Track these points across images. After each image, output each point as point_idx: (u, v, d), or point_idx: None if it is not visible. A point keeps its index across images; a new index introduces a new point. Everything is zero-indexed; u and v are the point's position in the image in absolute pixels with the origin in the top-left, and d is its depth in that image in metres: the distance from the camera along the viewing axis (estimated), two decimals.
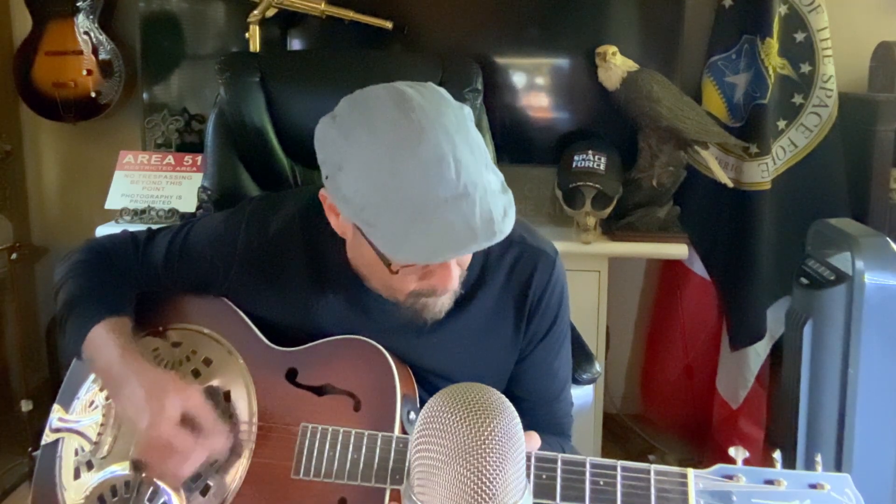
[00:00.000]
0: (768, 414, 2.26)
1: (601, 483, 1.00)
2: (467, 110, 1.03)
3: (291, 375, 1.19)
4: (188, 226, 1.30)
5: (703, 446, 2.53)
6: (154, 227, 1.34)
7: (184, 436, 1.10)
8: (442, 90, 1.04)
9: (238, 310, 1.24)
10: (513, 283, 1.21)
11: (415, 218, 0.95)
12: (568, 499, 1.00)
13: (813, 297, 1.82)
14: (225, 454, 1.15)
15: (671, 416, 2.62)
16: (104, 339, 1.17)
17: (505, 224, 0.98)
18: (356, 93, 1.04)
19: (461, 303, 1.18)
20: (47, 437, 1.28)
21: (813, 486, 0.97)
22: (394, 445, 1.07)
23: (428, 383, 1.19)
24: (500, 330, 1.22)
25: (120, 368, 1.15)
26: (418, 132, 0.95)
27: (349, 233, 1.09)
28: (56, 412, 1.29)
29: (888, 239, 1.81)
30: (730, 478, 0.99)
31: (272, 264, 1.21)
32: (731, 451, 1.00)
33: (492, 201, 0.97)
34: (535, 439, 1.02)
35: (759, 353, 2.35)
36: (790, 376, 1.89)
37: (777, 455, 1.00)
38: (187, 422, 1.11)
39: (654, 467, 1.00)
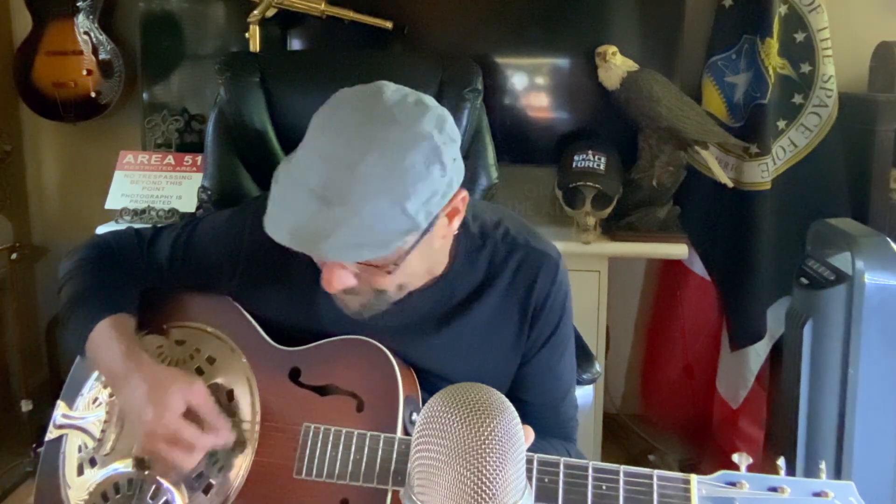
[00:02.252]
0: (768, 414, 2.26)
1: (603, 488, 1.00)
2: (430, 147, 0.97)
3: (294, 375, 1.19)
4: (193, 223, 1.30)
5: (704, 446, 2.53)
6: (159, 225, 1.34)
7: (188, 428, 1.10)
8: (433, 111, 1.00)
9: (242, 308, 1.25)
10: (516, 286, 1.21)
11: (282, 190, 0.98)
12: (570, 503, 1.00)
13: (813, 297, 1.82)
14: (228, 448, 1.16)
15: (671, 416, 2.62)
16: (107, 337, 1.18)
17: (338, 252, 0.95)
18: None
19: (464, 305, 1.19)
20: (51, 434, 1.28)
21: (817, 494, 0.97)
22: (396, 447, 1.07)
23: (430, 385, 1.19)
24: (504, 333, 1.22)
25: (123, 365, 1.15)
26: (343, 127, 0.97)
27: None
28: (60, 409, 1.29)
29: (888, 239, 1.81)
30: (733, 484, 0.98)
31: (277, 263, 1.21)
32: (735, 457, 0.99)
33: (347, 227, 0.93)
34: (529, 433, 1.02)
35: (759, 353, 2.35)
36: (790, 376, 1.89)
37: (781, 462, 1.00)
38: (191, 415, 1.12)
39: (656, 473, 1.00)
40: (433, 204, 0.98)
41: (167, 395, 1.11)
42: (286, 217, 0.96)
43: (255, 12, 2.37)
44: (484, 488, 0.78)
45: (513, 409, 0.84)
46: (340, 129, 0.97)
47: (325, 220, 0.93)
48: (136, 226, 1.36)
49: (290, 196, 0.96)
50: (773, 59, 2.24)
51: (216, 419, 1.14)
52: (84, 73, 2.55)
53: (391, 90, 1.01)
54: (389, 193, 0.94)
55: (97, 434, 1.23)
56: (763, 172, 2.27)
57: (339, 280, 1.04)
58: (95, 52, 2.55)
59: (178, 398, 1.11)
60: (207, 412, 1.13)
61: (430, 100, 1.03)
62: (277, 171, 1.01)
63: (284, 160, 1.02)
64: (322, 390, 1.17)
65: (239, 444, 1.16)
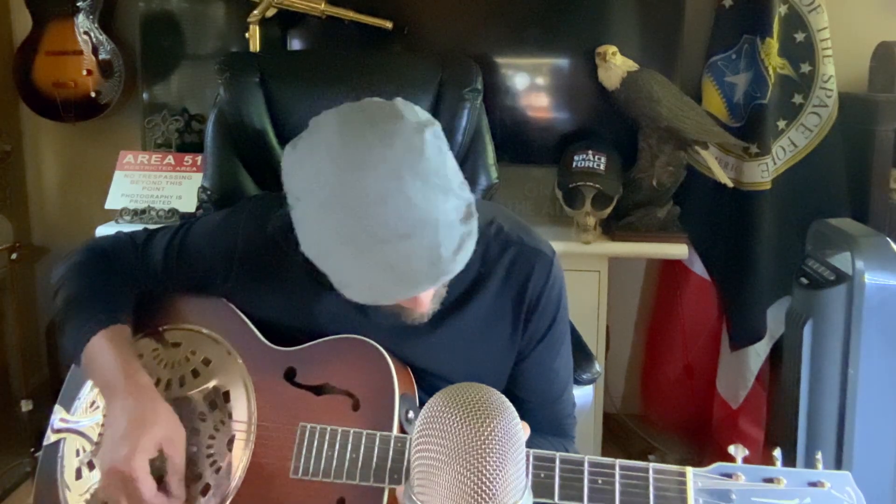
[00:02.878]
0: (768, 414, 2.26)
1: (599, 482, 1.00)
2: (432, 130, 0.97)
3: (290, 375, 1.19)
4: (186, 225, 1.29)
5: (703, 446, 2.53)
6: (152, 227, 1.34)
7: (146, 483, 1.09)
8: (406, 111, 0.98)
9: (237, 310, 1.24)
10: (510, 283, 1.21)
11: (354, 258, 0.93)
12: (566, 498, 1.00)
13: (813, 297, 1.82)
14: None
15: (671, 416, 2.62)
16: (102, 350, 1.17)
17: (456, 260, 0.95)
18: (320, 115, 1.01)
19: (458, 303, 1.18)
20: (49, 438, 1.29)
21: (813, 484, 0.97)
22: (392, 445, 1.07)
23: (427, 383, 1.19)
24: (498, 330, 1.22)
25: (116, 382, 1.14)
26: (361, 167, 0.91)
27: None
28: (58, 413, 1.30)
29: (888, 239, 1.81)
30: (729, 476, 0.99)
31: (271, 263, 1.21)
32: (731, 449, 1.00)
33: (444, 236, 0.93)
34: (525, 429, 1.02)
35: (759, 353, 2.35)
36: (790, 376, 1.89)
37: (777, 453, 1.00)
38: (159, 461, 1.11)
39: (652, 466, 1.00)
40: (460, 173, 1.00)
41: (145, 436, 1.09)
42: (391, 276, 0.93)
43: (255, 12, 2.37)
44: (484, 488, 0.78)
45: (513, 408, 0.84)
46: (356, 170, 0.92)
47: (429, 248, 0.93)
48: (135, 226, 1.36)
49: (368, 258, 0.92)
50: (773, 59, 2.24)
51: (176, 484, 1.12)
52: (84, 73, 2.55)
53: (360, 113, 0.98)
54: (439, 192, 0.94)
55: (95, 438, 1.23)
56: (763, 172, 2.27)
57: (426, 305, 1.04)
58: (95, 52, 2.55)
59: (154, 441, 1.10)
60: (174, 469, 1.12)
61: (387, 100, 1.01)
62: (309, 242, 0.97)
63: (298, 225, 0.99)
64: (318, 390, 1.17)
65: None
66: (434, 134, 0.98)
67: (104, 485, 1.11)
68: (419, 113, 1.00)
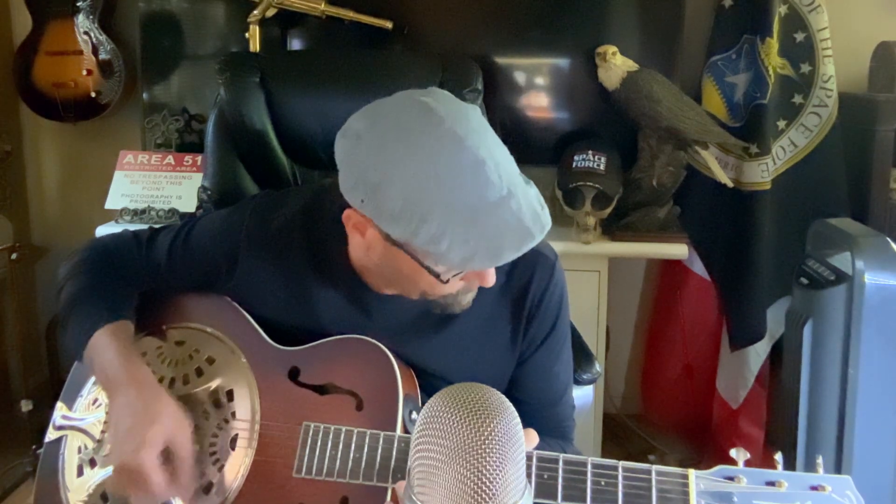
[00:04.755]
0: (768, 414, 2.26)
1: (602, 483, 1.01)
2: (478, 109, 1.05)
3: (294, 374, 1.19)
4: (190, 223, 1.29)
5: (704, 446, 2.53)
6: (156, 226, 1.34)
7: (158, 474, 1.09)
8: (451, 95, 1.05)
9: (241, 309, 1.25)
10: (512, 285, 1.21)
11: (471, 225, 0.95)
12: (569, 499, 1.01)
13: (813, 297, 1.82)
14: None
15: (671, 416, 2.62)
16: (105, 346, 1.17)
17: (545, 214, 1.00)
18: (370, 108, 1.03)
19: None
20: (51, 435, 1.28)
21: (814, 488, 0.98)
22: (395, 444, 1.07)
23: (428, 385, 1.19)
24: (499, 333, 1.22)
25: (119, 378, 1.15)
26: (455, 139, 0.96)
27: (378, 247, 1.06)
28: (60, 409, 1.30)
29: (888, 239, 1.81)
30: (731, 479, 0.99)
31: (274, 261, 1.21)
32: (733, 452, 1.00)
33: (531, 195, 0.99)
34: (532, 436, 1.02)
35: (759, 353, 2.35)
36: (790, 376, 1.89)
37: (779, 457, 1.01)
38: (166, 454, 1.11)
39: (655, 468, 1.00)
40: None
41: (152, 429, 1.10)
42: (509, 234, 0.97)
43: (255, 12, 2.37)
44: (484, 488, 0.78)
45: (513, 409, 0.84)
46: (451, 143, 0.96)
47: (527, 204, 0.97)
48: (135, 226, 1.36)
49: (483, 221, 0.96)
50: (773, 59, 2.24)
51: (185, 475, 1.12)
52: (84, 73, 2.55)
53: (421, 97, 1.02)
54: (508, 154, 1.01)
55: (97, 435, 1.23)
56: (763, 172, 2.27)
57: (494, 274, 1.06)
58: (95, 52, 2.55)
59: (160, 436, 1.10)
60: (182, 462, 1.12)
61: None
62: (405, 222, 0.98)
63: (385, 213, 0.99)
64: (321, 389, 1.17)
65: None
66: (478, 111, 1.05)
67: (114, 480, 1.11)
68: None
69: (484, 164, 0.95)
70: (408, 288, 1.11)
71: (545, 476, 1.01)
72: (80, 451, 1.24)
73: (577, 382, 1.50)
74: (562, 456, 1.03)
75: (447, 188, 0.95)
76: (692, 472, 1.00)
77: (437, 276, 1.03)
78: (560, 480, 1.01)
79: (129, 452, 1.08)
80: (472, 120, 1.00)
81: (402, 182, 0.96)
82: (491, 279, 1.06)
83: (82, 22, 2.54)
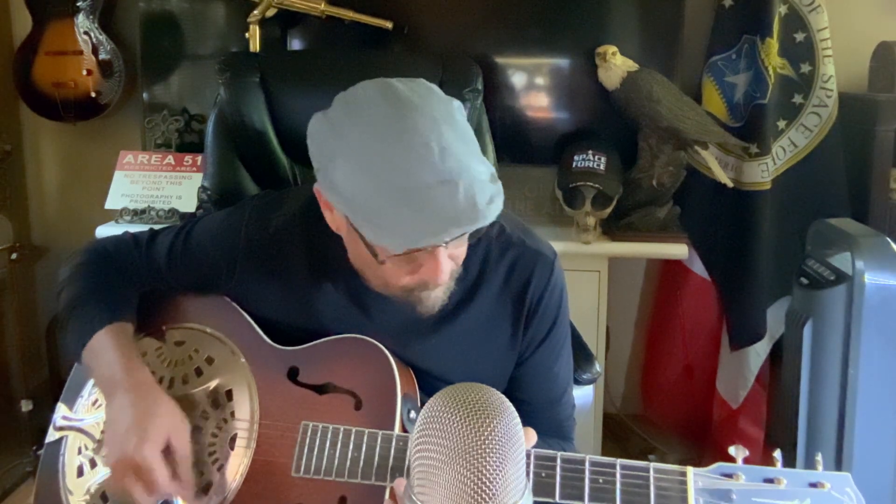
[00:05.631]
0: (768, 414, 2.26)
1: (600, 481, 1.01)
2: (457, 104, 1.05)
3: (293, 374, 1.19)
4: (190, 224, 1.30)
5: (704, 446, 2.53)
6: (156, 227, 1.34)
7: (161, 470, 1.09)
8: (432, 85, 1.05)
9: (240, 309, 1.25)
10: (511, 285, 1.21)
11: (400, 202, 0.96)
12: (567, 497, 1.01)
13: (813, 297, 1.82)
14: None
15: (671, 416, 2.62)
16: (104, 347, 1.18)
17: (489, 210, 0.99)
18: (349, 89, 1.05)
19: (459, 304, 1.19)
20: (51, 435, 1.29)
21: (813, 485, 0.98)
22: (394, 444, 1.08)
23: (428, 385, 1.19)
24: (499, 332, 1.22)
25: (118, 378, 1.15)
26: (404, 120, 0.98)
27: (343, 228, 1.09)
28: (60, 410, 1.30)
29: (888, 239, 1.81)
30: (729, 476, 0.99)
31: (274, 260, 1.21)
32: (731, 449, 1.00)
33: (477, 188, 0.97)
34: (531, 435, 1.02)
35: (759, 353, 2.35)
36: (790, 376, 1.89)
37: (777, 454, 1.00)
38: (166, 452, 1.11)
39: (653, 465, 1.00)
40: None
41: (152, 426, 1.10)
42: (430, 218, 0.96)
43: (255, 12, 2.37)
44: (484, 488, 0.78)
45: (513, 409, 0.84)
46: (399, 122, 0.98)
47: (465, 194, 0.96)
48: (135, 226, 1.36)
49: (413, 201, 0.96)
50: (773, 59, 2.24)
51: (186, 472, 1.13)
52: (84, 73, 2.55)
53: (396, 81, 1.04)
54: (471, 150, 1.01)
55: (97, 435, 1.23)
56: (763, 172, 2.27)
57: (447, 265, 1.05)
58: (95, 52, 2.55)
59: (162, 432, 1.10)
60: (182, 460, 1.12)
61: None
62: (347, 196, 1.00)
63: (333, 186, 1.01)
64: (320, 389, 1.17)
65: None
66: (459, 107, 1.05)
67: (114, 478, 1.11)
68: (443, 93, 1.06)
69: (428, 147, 0.96)
70: (369, 275, 1.12)
71: (543, 474, 1.01)
72: (80, 451, 1.25)
73: (577, 382, 1.50)
74: (560, 454, 1.03)
75: (387, 165, 0.96)
76: (690, 470, 1.00)
77: (374, 255, 1.04)
78: (558, 479, 1.01)
79: (130, 448, 1.09)
80: (434, 106, 1.01)
81: (348, 157, 0.99)
82: (437, 275, 1.04)
83: (82, 22, 2.54)
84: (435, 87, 1.05)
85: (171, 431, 1.12)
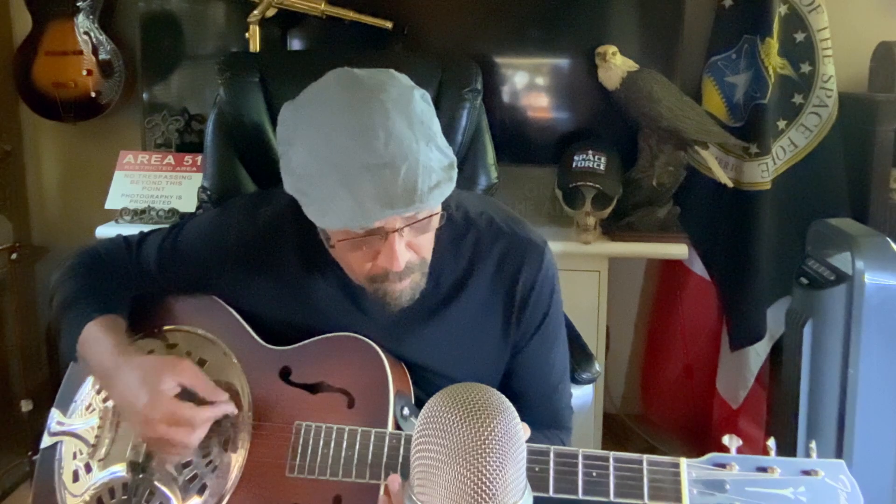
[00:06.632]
0: (768, 414, 2.26)
1: (594, 474, 1.01)
2: (422, 92, 1.06)
3: (285, 374, 1.19)
4: (179, 226, 1.31)
5: (704, 446, 2.51)
6: (146, 229, 1.35)
7: (184, 406, 1.11)
8: (397, 74, 1.07)
9: (232, 310, 1.25)
10: (502, 274, 1.20)
11: (338, 182, 0.98)
12: (561, 491, 1.01)
13: (813, 297, 1.82)
14: (230, 419, 1.16)
15: (671, 416, 2.62)
16: (96, 337, 1.19)
17: (431, 196, 1.00)
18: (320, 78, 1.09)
19: (451, 295, 1.19)
20: (46, 441, 1.29)
21: (807, 473, 0.98)
22: (387, 441, 1.08)
23: (423, 380, 1.19)
24: (491, 323, 1.22)
25: (112, 360, 1.16)
26: (352, 104, 1.00)
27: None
28: (54, 416, 1.30)
29: (888, 239, 1.81)
30: (723, 466, 0.99)
31: (265, 255, 1.21)
32: (725, 439, 1.00)
33: (421, 173, 0.99)
34: (525, 430, 1.02)
35: (759, 353, 2.35)
36: (790, 376, 1.89)
37: (771, 443, 1.00)
38: (186, 395, 1.12)
39: (646, 457, 1.01)
40: (445, 140, 1.07)
41: (158, 379, 1.12)
42: (365, 199, 0.98)
43: (255, 12, 2.37)
44: (484, 488, 0.78)
45: (513, 408, 0.84)
46: (349, 106, 1.00)
47: (405, 178, 0.98)
48: (135, 227, 1.37)
49: (351, 182, 0.98)
50: (773, 59, 2.24)
51: (211, 392, 1.15)
52: (84, 73, 2.55)
53: (359, 70, 1.07)
54: (423, 137, 1.01)
55: (91, 440, 1.24)
56: (763, 172, 2.27)
57: (403, 252, 1.05)
58: (95, 52, 2.55)
59: (169, 380, 1.12)
60: (201, 387, 1.14)
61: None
62: (298, 176, 1.03)
63: (289, 168, 1.05)
64: (313, 388, 1.17)
65: (239, 417, 1.17)
66: (423, 95, 1.06)
67: (145, 438, 1.14)
68: (410, 80, 1.08)
69: (373, 131, 0.98)
70: (343, 265, 1.13)
71: (537, 469, 1.01)
72: (75, 456, 1.25)
73: (577, 382, 1.50)
74: (553, 448, 1.03)
75: (332, 146, 0.99)
76: (683, 461, 1.00)
77: (327, 239, 1.07)
78: (552, 473, 1.01)
79: (148, 408, 1.10)
80: (388, 92, 1.02)
81: (301, 140, 1.02)
82: (392, 262, 1.05)
83: (82, 22, 2.54)
84: (399, 76, 1.07)
85: (176, 373, 1.13)
